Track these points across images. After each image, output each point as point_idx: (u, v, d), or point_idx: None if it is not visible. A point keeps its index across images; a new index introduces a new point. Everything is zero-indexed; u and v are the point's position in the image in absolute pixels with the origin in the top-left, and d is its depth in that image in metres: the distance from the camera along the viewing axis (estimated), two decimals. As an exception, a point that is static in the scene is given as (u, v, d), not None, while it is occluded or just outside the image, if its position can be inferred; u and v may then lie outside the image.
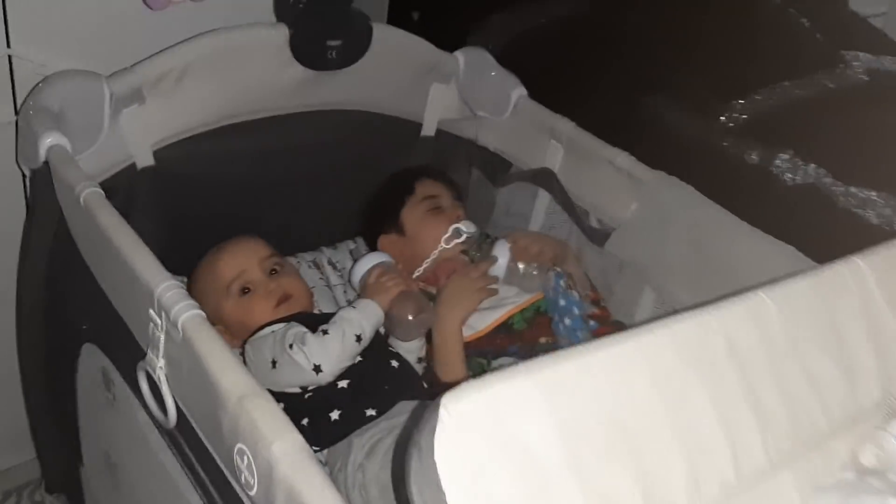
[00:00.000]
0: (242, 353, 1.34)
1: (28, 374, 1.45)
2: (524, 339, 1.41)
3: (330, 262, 1.67)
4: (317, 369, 1.22)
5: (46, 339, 1.40)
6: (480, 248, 1.51)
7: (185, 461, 0.98)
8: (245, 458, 0.78)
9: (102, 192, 1.10)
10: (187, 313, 0.89)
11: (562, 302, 1.41)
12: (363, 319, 1.27)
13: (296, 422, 1.26)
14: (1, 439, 1.71)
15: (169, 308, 0.91)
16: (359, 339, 1.26)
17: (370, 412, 1.22)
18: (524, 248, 1.45)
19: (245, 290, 1.38)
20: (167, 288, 0.93)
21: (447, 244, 1.54)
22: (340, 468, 1.18)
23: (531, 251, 1.44)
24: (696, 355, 0.77)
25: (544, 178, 1.66)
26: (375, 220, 1.63)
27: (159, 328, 0.93)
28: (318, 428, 1.23)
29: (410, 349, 1.40)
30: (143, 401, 1.00)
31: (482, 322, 1.43)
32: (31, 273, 1.32)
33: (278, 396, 1.27)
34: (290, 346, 1.23)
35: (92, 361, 1.25)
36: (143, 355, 0.99)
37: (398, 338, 1.36)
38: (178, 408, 0.96)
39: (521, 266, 1.44)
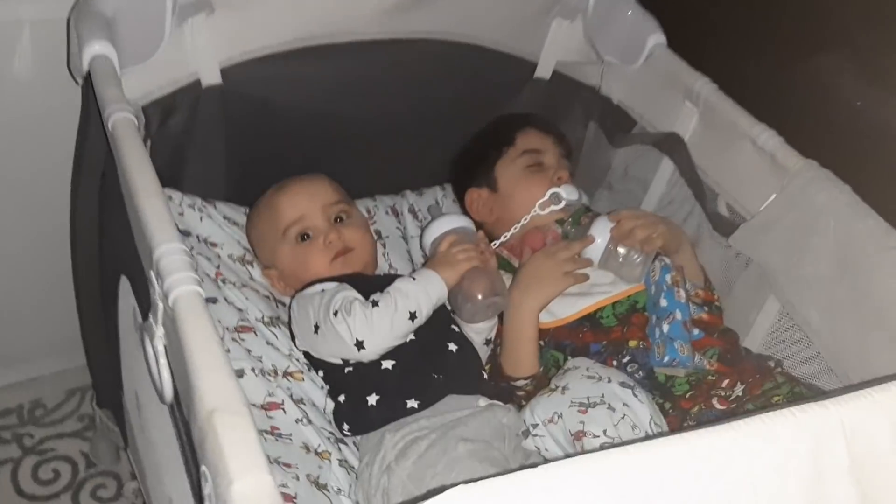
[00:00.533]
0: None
1: (81, 285, 1.37)
2: (611, 338, 1.20)
3: (411, 210, 1.50)
4: (359, 345, 1.06)
5: (98, 257, 1.31)
6: (577, 222, 1.29)
7: (179, 440, 0.86)
8: (207, 484, 0.64)
9: (134, 120, 0.96)
10: (181, 288, 0.75)
11: (663, 302, 1.18)
12: (421, 295, 1.10)
13: (334, 395, 1.14)
14: (73, 336, 1.67)
15: (164, 276, 0.76)
16: (413, 316, 1.09)
17: (412, 404, 1.06)
18: (629, 231, 1.22)
19: (303, 237, 1.23)
20: (168, 251, 0.78)
21: (542, 210, 1.33)
22: (368, 463, 1.04)
23: (637, 236, 1.21)
24: (803, 464, 0.56)
25: (671, 145, 1.40)
26: (467, 169, 1.43)
27: (157, 295, 0.79)
28: (353, 410, 1.09)
29: (479, 329, 1.22)
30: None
31: (566, 309, 1.23)
32: (85, 185, 1.22)
33: (319, 363, 1.14)
34: (335, 313, 1.08)
35: (127, 296, 1.15)
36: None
37: (462, 318, 1.18)
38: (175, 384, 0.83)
39: (621, 251, 1.22)
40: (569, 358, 1.20)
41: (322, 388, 1.15)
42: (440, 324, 1.16)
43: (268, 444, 1.01)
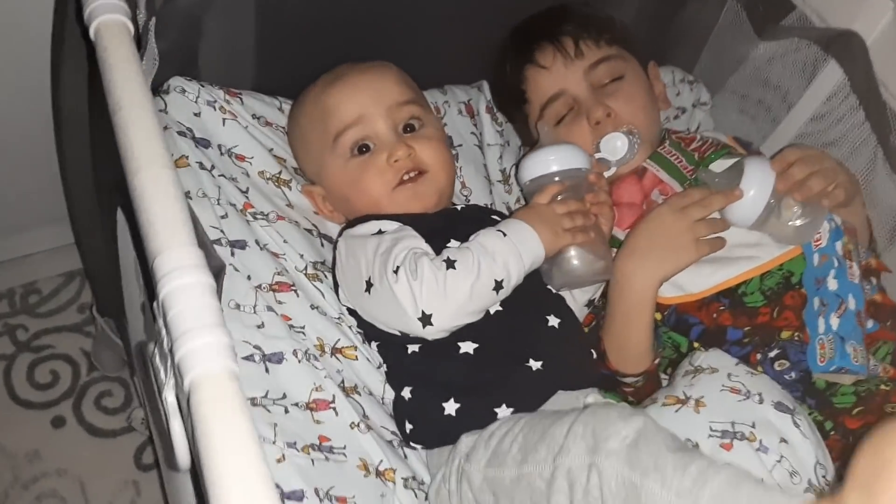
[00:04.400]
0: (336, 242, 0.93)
1: (73, 194, 1.09)
2: (757, 323, 0.92)
3: (490, 109, 1.16)
4: (425, 319, 0.80)
5: (92, 171, 1.01)
6: (714, 164, 0.97)
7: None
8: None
9: (128, 25, 0.63)
10: (204, 373, 0.46)
11: (832, 283, 0.90)
12: (512, 258, 0.82)
13: (396, 384, 0.86)
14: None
15: (177, 343, 0.48)
16: (499, 286, 0.82)
17: (503, 413, 0.80)
18: (801, 182, 0.90)
19: (361, 149, 0.92)
20: (179, 289, 0.50)
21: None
22: (444, 477, 0.80)
23: (813, 188, 0.90)
24: None
25: (844, 46, 1.06)
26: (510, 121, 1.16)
27: (167, 350, 0.51)
28: (422, 418, 0.84)
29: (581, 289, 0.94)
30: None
31: (698, 280, 0.94)
32: (66, 78, 0.91)
33: (372, 331, 0.87)
34: (396, 270, 0.81)
35: (125, 230, 0.87)
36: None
37: (548, 283, 0.91)
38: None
39: (795, 209, 0.90)
40: (694, 344, 0.93)
41: (379, 367, 0.89)
42: (535, 286, 0.89)
43: (316, 468, 0.76)
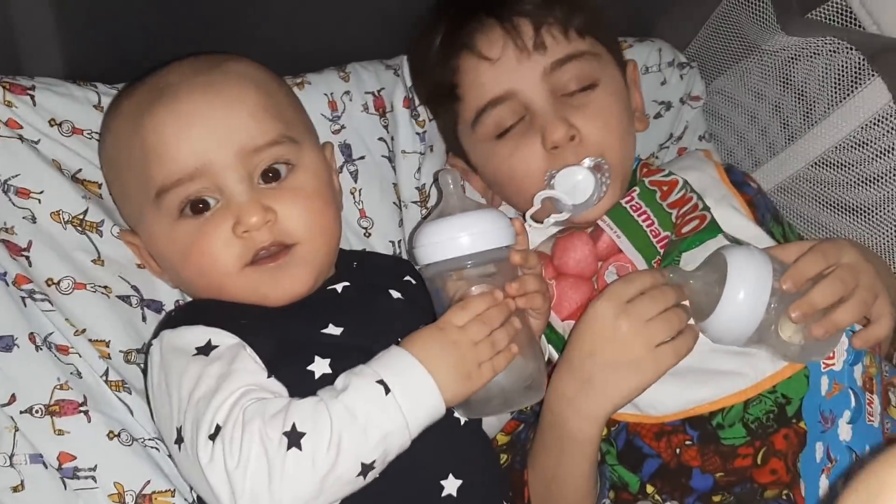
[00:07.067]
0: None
1: None
2: (732, 467, 0.68)
3: (409, 103, 0.84)
4: None
5: None
6: (686, 256, 0.70)
7: None
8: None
9: None
10: None
11: (845, 432, 0.66)
12: (393, 432, 0.56)
13: None
14: None
15: None
16: (367, 470, 0.56)
17: None
18: (811, 302, 0.63)
19: (196, 206, 0.63)
20: None
21: (538, 221, 0.73)
22: None
23: (836, 323, 0.63)
24: None
25: (891, 61, 0.76)
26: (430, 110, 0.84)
27: None
28: None
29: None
30: None
31: (657, 401, 0.69)
32: None
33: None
34: (213, 435, 0.54)
35: None
36: None
37: (455, 411, 0.65)
38: None
39: (787, 331, 0.64)
40: (647, 487, 0.69)
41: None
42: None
43: None
